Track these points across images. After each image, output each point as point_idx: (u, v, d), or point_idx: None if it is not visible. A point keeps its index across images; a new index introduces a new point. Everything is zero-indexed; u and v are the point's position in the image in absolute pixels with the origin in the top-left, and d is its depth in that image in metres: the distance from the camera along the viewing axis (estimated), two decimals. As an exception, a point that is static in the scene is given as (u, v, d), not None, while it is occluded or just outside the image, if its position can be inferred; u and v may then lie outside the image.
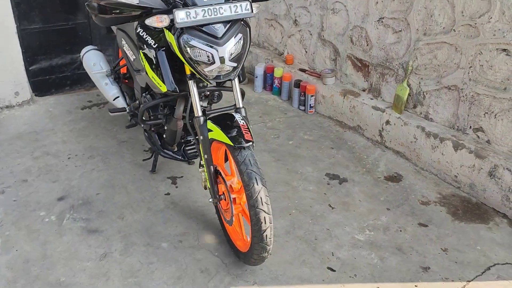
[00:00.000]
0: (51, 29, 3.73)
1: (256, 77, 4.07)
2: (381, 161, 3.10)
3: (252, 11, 1.96)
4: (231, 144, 1.88)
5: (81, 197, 2.65)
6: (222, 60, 1.91)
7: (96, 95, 3.92)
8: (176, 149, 2.59)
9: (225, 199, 2.13)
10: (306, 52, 3.92)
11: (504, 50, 2.51)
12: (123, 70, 3.11)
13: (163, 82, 2.10)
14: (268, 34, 4.31)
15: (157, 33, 2.14)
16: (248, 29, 2.02)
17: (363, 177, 2.93)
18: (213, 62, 1.91)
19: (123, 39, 2.64)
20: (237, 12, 1.93)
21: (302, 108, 3.78)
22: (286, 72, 3.94)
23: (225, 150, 2.19)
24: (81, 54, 3.13)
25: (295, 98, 3.80)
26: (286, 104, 3.90)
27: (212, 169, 2.10)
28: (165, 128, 2.45)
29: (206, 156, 2.07)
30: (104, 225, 2.44)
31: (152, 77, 2.15)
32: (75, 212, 2.53)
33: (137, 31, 2.22)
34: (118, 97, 2.92)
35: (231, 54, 1.93)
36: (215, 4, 1.90)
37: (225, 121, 2.02)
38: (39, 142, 3.20)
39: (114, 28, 2.91)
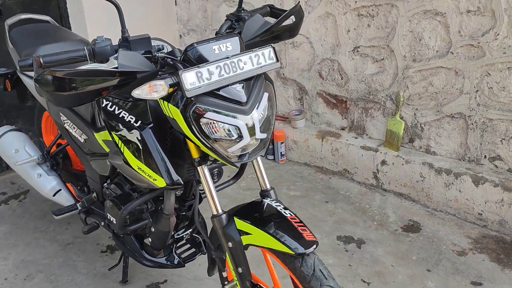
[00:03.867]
0: None
1: (207, 129, 3.48)
2: (387, 209, 2.68)
3: (277, 60, 1.42)
4: (290, 252, 1.29)
5: None
6: (251, 132, 1.33)
7: (10, 182, 3.01)
8: (162, 254, 1.88)
9: (269, 323, 1.51)
10: (263, 93, 3.43)
11: (517, 68, 2.26)
12: (54, 149, 2.33)
13: (160, 174, 1.44)
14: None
15: (136, 105, 1.48)
16: (272, 85, 1.46)
17: (379, 232, 2.47)
18: (240, 138, 1.32)
19: (62, 114, 1.91)
20: (261, 63, 1.37)
21: (271, 157, 3.27)
22: (244, 119, 3.41)
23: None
24: (-7, 138, 2.29)
25: (262, 147, 3.27)
26: (251, 155, 3.35)
27: (249, 285, 1.47)
28: (152, 229, 1.75)
29: (240, 269, 1.43)
30: None
31: (139, 168, 1.47)
32: None
33: (103, 105, 1.52)
34: (60, 190, 2.14)
35: (259, 123, 1.36)
36: (232, 56, 1.32)
37: (260, 215, 1.42)
38: None
39: (39, 96, 2.14)
